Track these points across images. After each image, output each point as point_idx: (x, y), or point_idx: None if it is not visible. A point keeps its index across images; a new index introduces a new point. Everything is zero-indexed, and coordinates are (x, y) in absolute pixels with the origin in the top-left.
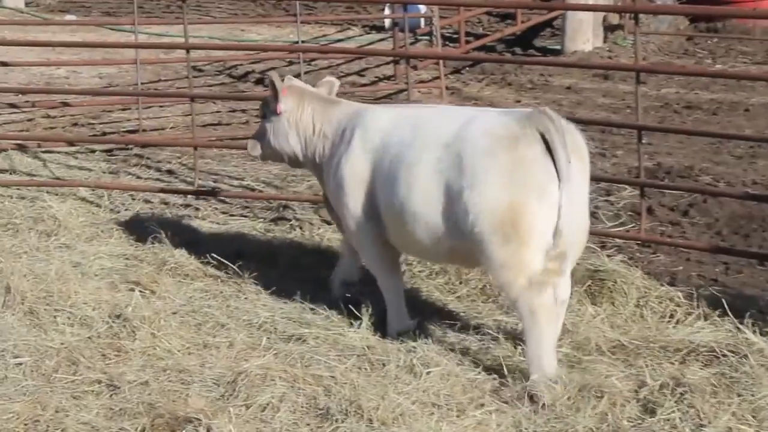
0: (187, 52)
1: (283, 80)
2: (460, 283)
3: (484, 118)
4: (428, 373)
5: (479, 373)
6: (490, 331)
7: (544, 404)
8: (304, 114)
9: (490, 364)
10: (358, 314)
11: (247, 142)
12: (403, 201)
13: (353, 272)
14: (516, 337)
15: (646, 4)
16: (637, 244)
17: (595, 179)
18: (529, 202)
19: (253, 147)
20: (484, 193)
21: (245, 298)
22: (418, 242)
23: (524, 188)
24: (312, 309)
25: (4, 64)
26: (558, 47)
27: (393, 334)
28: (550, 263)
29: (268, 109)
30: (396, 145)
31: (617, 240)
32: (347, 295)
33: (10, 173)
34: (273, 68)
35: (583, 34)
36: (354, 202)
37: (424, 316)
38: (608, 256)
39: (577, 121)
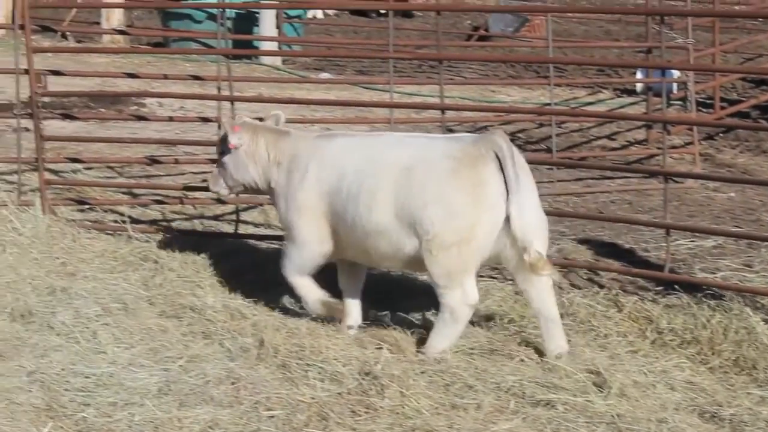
0: (443, 112)
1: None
2: (713, 353)
3: (439, 142)
4: None
5: None
6: (743, 404)
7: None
8: (258, 145)
9: None
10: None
11: (208, 181)
12: (365, 222)
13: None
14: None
15: None
16: None
17: None
18: (483, 218)
19: (214, 183)
20: (447, 208)
21: (493, 360)
22: (378, 253)
23: (480, 205)
24: (560, 373)
25: (261, 120)
26: None
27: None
28: (531, 261)
29: (226, 146)
30: (351, 170)
31: None
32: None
33: (265, 227)
34: (523, 130)
35: None
36: (307, 225)
37: (674, 386)
38: None
39: None
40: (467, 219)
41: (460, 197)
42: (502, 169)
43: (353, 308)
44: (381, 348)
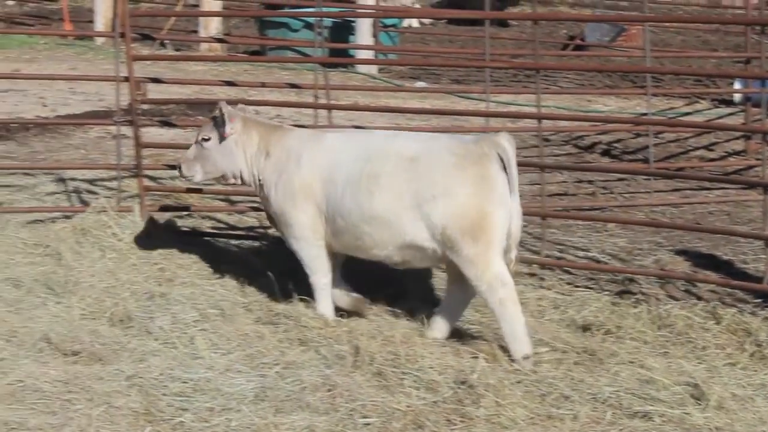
0: (539, 121)
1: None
2: None
3: (441, 138)
4: None
5: None
6: None
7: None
8: (250, 136)
9: None
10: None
11: (180, 167)
12: (365, 208)
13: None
14: None
15: None
16: None
17: None
18: (496, 210)
19: (188, 169)
20: (455, 200)
21: (589, 370)
22: (374, 239)
23: (489, 196)
24: (658, 385)
25: (358, 128)
26: None
27: (322, 315)
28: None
29: (214, 133)
30: (350, 159)
31: None
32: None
33: None
34: (620, 140)
35: None
36: (302, 212)
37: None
38: None
39: None
40: (475, 210)
41: (467, 190)
42: (504, 168)
43: (341, 294)
44: (477, 357)
